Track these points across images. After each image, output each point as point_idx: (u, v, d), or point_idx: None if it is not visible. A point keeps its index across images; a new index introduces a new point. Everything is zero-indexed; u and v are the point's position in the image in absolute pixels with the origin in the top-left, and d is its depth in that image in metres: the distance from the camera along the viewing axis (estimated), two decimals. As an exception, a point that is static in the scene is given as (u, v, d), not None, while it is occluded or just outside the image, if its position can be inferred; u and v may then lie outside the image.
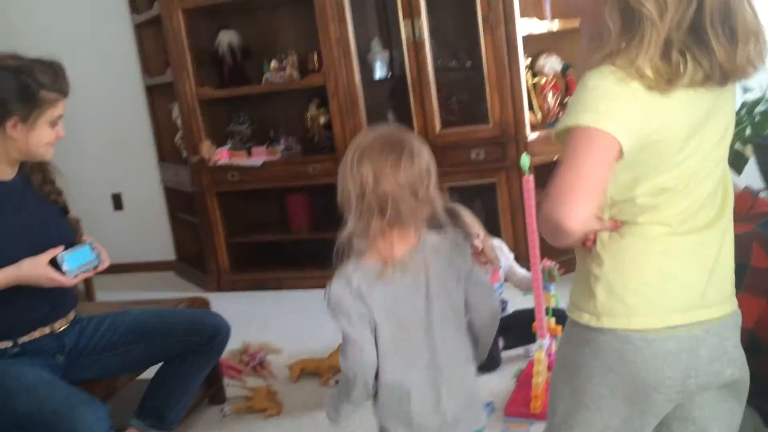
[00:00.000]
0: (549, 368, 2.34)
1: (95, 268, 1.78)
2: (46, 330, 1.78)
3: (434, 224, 1.30)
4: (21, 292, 1.70)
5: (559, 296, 2.52)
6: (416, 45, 3.34)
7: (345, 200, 1.25)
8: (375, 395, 1.34)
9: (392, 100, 3.75)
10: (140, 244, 4.53)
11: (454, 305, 1.31)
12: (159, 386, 1.97)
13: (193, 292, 3.98)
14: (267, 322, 3.35)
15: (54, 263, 1.68)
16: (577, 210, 0.97)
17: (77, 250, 1.75)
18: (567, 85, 3.60)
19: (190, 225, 4.27)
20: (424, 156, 1.26)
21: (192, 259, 4.34)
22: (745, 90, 3.11)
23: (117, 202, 4.58)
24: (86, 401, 1.62)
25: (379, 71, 3.69)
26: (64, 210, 1.90)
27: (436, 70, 3.40)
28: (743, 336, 1.36)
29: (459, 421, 1.33)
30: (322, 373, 2.63)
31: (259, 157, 3.75)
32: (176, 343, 1.93)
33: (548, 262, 2.36)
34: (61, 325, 1.82)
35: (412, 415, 1.30)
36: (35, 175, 1.83)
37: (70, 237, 1.85)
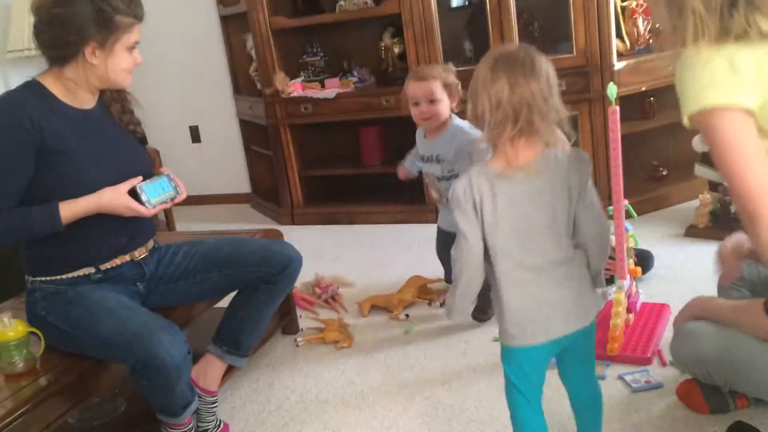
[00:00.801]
0: (628, 310, 2.24)
1: (173, 199, 1.79)
2: (127, 258, 1.81)
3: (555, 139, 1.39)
4: (103, 220, 1.72)
5: (638, 237, 2.40)
6: (496, -32, 3.14)
7: (479, 114, 1.36)
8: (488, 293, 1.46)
9: (469, 28, 3.58)
10: (217, 177, 4.61)
11: (566, 218, 1.40)
12: (234, 314, 2.00)
13: (267, 225, 4.03)
14: (339, 255, 3.36)
15: (133, 193, 1.70)
16: None
17: (156, 181, 1.76)
18: (660, 9, 3.33)
19: (264, 158, 4.29)
20: (549, 67, 1.36)
21: (266, 192, 4.38)
22: None
23: (194, 134, 4.65)
24: (165, 326, 1.65)
25: (456, -2, 3.52)
26: (142, 140, 1.91)
27: (516, -6, 3.20)
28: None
29: (570, 315, 1.42)
30: (392, 308, 2.62)
31: (332, 89, 3.69)
32: (249, 273, 1.94)
33: (624, 201, 2.23)
34: (140, 254, 1.85)
35: (527, 309, 1.40)
36: (114, 105, 1.84)
37: (149, 166, 1.87)
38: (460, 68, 3.39)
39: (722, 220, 2.93)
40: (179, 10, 4.27)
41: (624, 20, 3.30)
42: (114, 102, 1.84)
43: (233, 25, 4.19)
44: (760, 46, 1.18)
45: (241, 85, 4.33)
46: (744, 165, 1.19)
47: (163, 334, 1.61)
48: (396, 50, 3.68)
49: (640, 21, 3.31)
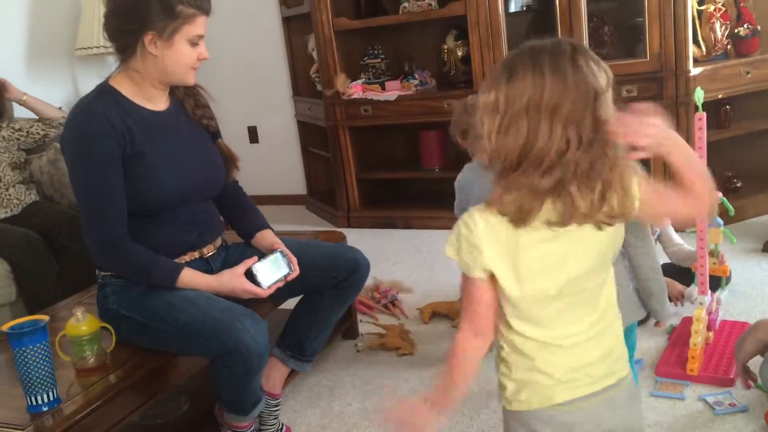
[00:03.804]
0: (708, 328, 2.13)
1: (286, 277, 1.78)
2: (196, 254, 1.79)
3: None
4: (173, 218, 1.72)
5: (733, 236, 2.27)
6: (568, -31, 3.06)
7: None
8: None
9: (535, 31, 3.49)
10: (273, 177, 4.61)
11: None
12: (298, 319, 1.97)
13: (323, 227, 4.01)
14: (396, 260, 3.31)
15: (249, 274, 1.71)
16: None
17: (270, 260, 1.77)
18: (739, 13, 3.18)
19: (321, 160, 4.27)
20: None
21: (322, 194, 4.36)
22: None
23: (252, 134, 4.67)
24: (248, 313, 1.63)
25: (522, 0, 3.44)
26: (216, 134, 1.89)
27: (589, -3, 3.11)
28: None
29: None
30: (454, 315, 2.55)
31: (393, 91, 3.65)
32: (315, 277, 1.90)
33: (718, 194, 2.10)
34: (209, 251, 1.83)
35: None
36: (188, 101, 1.82)
37: (222, 172, 1.86)
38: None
39: (804, 235, 2.78)
40: (242, 9, 4.29)
41: (701, 25, 3.17)
42: (187, 97, 1.83)
43: (295, 26, 4.19)
44: None
45: (301, 86, 4.32)
46: None
47: (247, 320, 1.59)
48: (459, 53, 3.62)
49: (717, 26, 3.18)
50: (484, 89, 1.09)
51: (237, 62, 4.42)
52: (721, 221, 2.13)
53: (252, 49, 4.41)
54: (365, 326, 2.58)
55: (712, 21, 3.18)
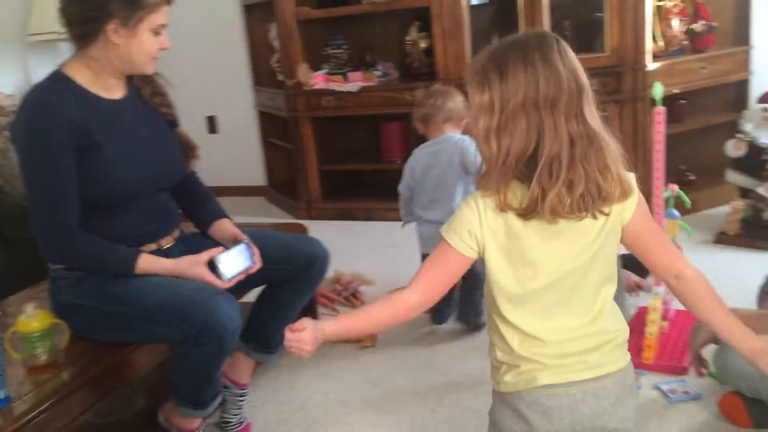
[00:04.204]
0: (663, 318, 2.17)
1: (247, 270, 1.74)
2: (153, 246, 1.75)
3: None
4: (130, 210, 1.68)
5: (690, 228, 2.29)
6: (530, -37, 3.07)
7: None
8: None
9: (498, 24, 3.50)
10: (233, 168, 4.55)
11: None
12: (260, 311, 1.94)
13: (283, 219, 3.98)
14: (358, 252, 3.29)
15: (211, 264, 1.67)
16: None
17: (234, 252, 1.73)
18: (696, 9, 3.25)
19: (282, 150, 4.23)
20: None
21: (283, 185, 4.32)
22: None
23: (212, 124, 4.59)
24: (221, 292, 1.60)
25: (486, -8, 3.45)
26: (174, 123, 1.85)
27: (550, -10, 3.13)
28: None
29: None
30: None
31: (355, 82, 3.62)
32: (274, 269, 1.87)
33: (674, 186, 2.14)
34: (167, 242, 1.79)
35: None
36: (145, 88, 1.78)
37: (180, 162, 1.82)
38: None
39: (754, 227, 2.86)
40: (201, -3, 4.21)
41: (659, 21, 3.22)
42: (144, 84, 1.78)
43: (256, 14, 4.13)
44: None
45: (262, 76, 4.27)
46: None
47: (221, 298, 1.57)
48: (422, 45, 3.61)
49: (675, 22, 3.24)
50: (475, 89, 1.09)
51: (196, 51, 4.33)
52: (678, 213, 2.16)
53: (211, 37, 4.33)
54: (326, 319, 2.56)
55: (669, 17, 3.23)
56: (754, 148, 2.93)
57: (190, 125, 4.57)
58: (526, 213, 1.09)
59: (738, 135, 2.98)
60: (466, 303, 2.36)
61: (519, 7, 3.16)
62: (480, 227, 1.12)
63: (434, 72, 3.44)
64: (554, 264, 1.13)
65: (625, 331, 1.21)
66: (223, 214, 1.90)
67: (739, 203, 2.91)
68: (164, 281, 1.62)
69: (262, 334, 1.94)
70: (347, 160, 3.97)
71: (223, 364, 1.66)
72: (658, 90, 1.99)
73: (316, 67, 3.77)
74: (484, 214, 1.12)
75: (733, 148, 3.00)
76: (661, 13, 3.23)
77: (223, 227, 1.86)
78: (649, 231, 1.19)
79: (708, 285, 1.24)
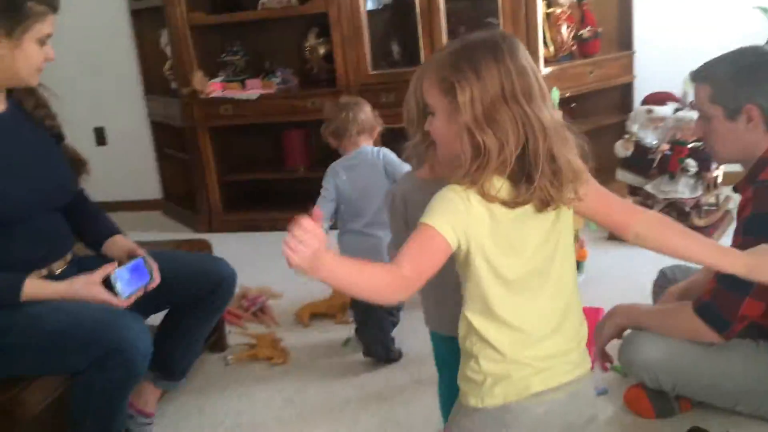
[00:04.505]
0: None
1: (146, 286, 1.65)
2: (44, 272, 1.62)
3: None
4: (16, 233, 1.56)
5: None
6: (425, -31, 3.10)
7: None
8: None
9: (397, 29, 3.52)
10: (125, 182, 4.32)
11: None
12: (164, 337, 1.83)
13: (183, 233, 3.83)
14: (264, 265, 3.20)
15: (107, 282, 1.56)
16: None
17: (130, 267, 1.63)
18: (582, 16, 3.39)
19: (178, 161, 4.06)
20: None
21: (180, 197, 4.15)
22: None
23: (100, 136, 4.35)
24: (128, 312, 1.51)
25: (380, -2, 3.45)
26: (59, 137, 1.72)
27: (446, -3, 3.18)
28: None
29: None
30: (335, 313, 2.52)
31: (254, 90, 3.53)
32: (178, 291, 1.78)
33: None
34: (59, 267, 1.67)
35: None
36: (27, 101, 1.65)
37: (69, 179, 1.71)
38: (387, 71, 3.36)
39: (645, 223, 3.01)
40: (84, 1, 3.97)
41: (548, 27, 3.34)
42: (26, 97, 1.65)
43: (145, 20, 3.95)
44: None
45: (154, 84, 4.08)
46: None
47: (129, 319, 1.47)
48: (321, 51, 3.57)
49: (564, 28, 3.36)
50: (448, 89, 1.09)
51: (80, 58, 4.08)
52: None
53: (97, 44, 4.10)
54: (234, 337, 2.47)
55: (558, 23, 3.36)
56: (641, 148, 3.08)
57: (77, 138, 4.30)
58: (515, 204, 1.10)
59: (626, 136, 3.14)
60: (375, 334, 2.23)
61: (417, 13, 3.18)
62: (467, 215, 1.10)
63: (335, 78, 3.41)
64: (532, 249, 1.15)
65: (586, 327, 1.24)
66: (116, 230, 1.79)
67: (630, 201, 3.06)
68: (63, 304, 1.50)
69: (168, 361, 1.83)
70: (248, 170, 3.86)
71: (131, 391, 1.55)
72: (555, 94, 2.05)
73: (212, 75, 3.65)
74: (469, 203, 1.10)
75: (622, 149, 3.15)
76: (551, 20, 3.35)
77: (118, 243, 1.75)
78: (604, 200, 1.24)
79: (672, 221, 1.28)
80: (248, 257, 3.29)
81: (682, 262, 2.16)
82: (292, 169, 3.73)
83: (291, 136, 3.71)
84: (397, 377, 2.13)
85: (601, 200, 1.23)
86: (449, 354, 1.34)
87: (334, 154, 2.61)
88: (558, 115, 1.14)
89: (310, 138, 3.74)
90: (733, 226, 2.96)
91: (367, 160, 2.33)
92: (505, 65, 1.07)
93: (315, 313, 2.55)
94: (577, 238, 2.31)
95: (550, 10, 3.33)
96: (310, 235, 0.99)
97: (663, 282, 2.06)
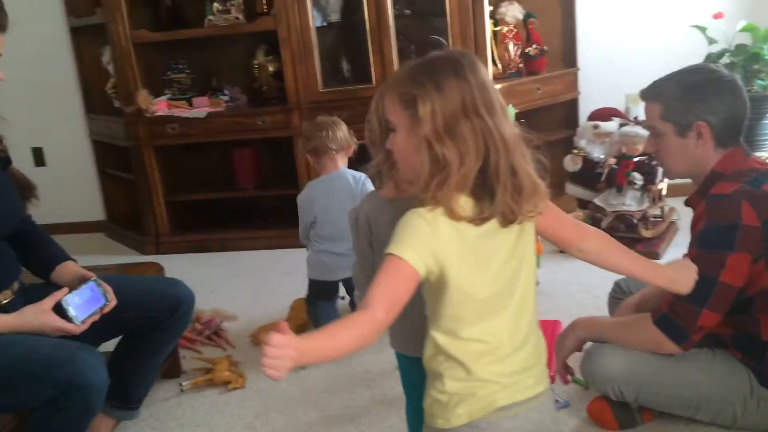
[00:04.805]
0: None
1: (102, 309, 1.58)
2: None
3: None
4: None
5: None
6: (375, -12, 3.12)
7: None
8: None
9: (347, 47, 3.51)
10: (65, 203, 4.14)
11: None
12: (119, 365, 1.75)
13: (129, 256, 3.71)
14: (215, 287, 3.13)
15: (58, 308, 1.48)
16: None
17: (82, 291, 1.56)
18: (528, 34, 3.47)
19: (122, 182, 3.94)
20: None
21: (125, 219, 4.03)
22: (710, 42, 3.08)
23: (38, 157, 4.18)
24: (83, 346, 1.43)
25: (332, 15, 3.44)
26: (6, 161, 1.64)
27: (396, 15, 3.19)
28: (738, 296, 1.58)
29: None
30: (296, 331, 2.46)
31: (202, 108, 3.47)
32: (134, 317, 1.71)
33: None
34: (5, 297, 1.58)
35: None
36: None
37: (17, 206, 1.64)
38: (337, 88, 3.35)
39: (594, 236, 3.07)
40: (21, 18, 3.81)
41: (496, 45, 3.40)
42: None
43: (86, 37, 3.83)
44: None
45: (95, 103, 3.96)
46: None
47: (85, 353, 1.40)
48: (270, 69, 3.54)
49: (510, 46, 3.43)
50: (407, 103, 1.10)
51: (17, 77, 3.89)
52: None
53: (34, 61, 3.93)
54: (189, 362, 2.38)
55: (505, 41, 3.42)
56: (589, 163, 3.16)
57: (14, 158, 4.15)
58: (480, 220, 1.10)
59: (574, 150, 3.21)
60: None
61: (366, 30, 3.19)
62: (434, 238, 1.09)
63: (284, 96, 3.37)
64: (499, 265, 1.15)
65: (544, 341, 1.26)
66: (66, 257, 1.71)
67: (580, 214, 3.12)
68: (14, 339, 1.42)
69: (123, 390, 1.76)
70: (197, 190, 3.77)
71: (87, 428, 1.47)
72: (511, 111, 2.07)
73: (157, 93, 3.56)
74: (435, 225, 1.09)
75: (570, 163, 3.23)
76: (498, 38, 3.41)
77: (69, 270, 1.68)
78: (557, 217, 1.27)
79: (612, 240, 1.34)
80: (199, 279, 3.19)
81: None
82: (242, 188, 3.67)
83: (240, 154, 3.65)
84: (360, 397, 2.10)
85: (553, 216, 1.25)
86: (416, 375, 1.33)
87: (283, 172, 2.60)
88: (516, 130, 1.14)
89: (260, 156, 3.69)
90: (677, 237, 3.10)
91: (345, 184, 2.39)
92: (465, 79, 1.09)
93: (273, 335, 2.49)
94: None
95: (497, 28, 3.39)
96: (283, 350, 0.98)
97: (618, 293, 2.09)
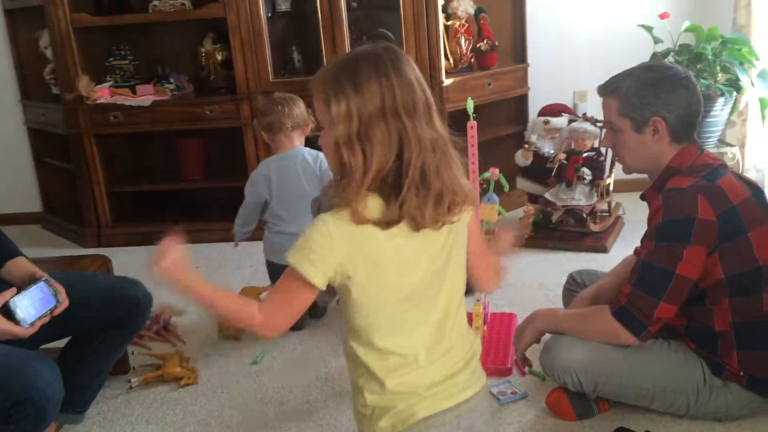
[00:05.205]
0: (484, 322, 2.27)
1: (52, 311, 1.49)
2: None
3: None
4: None
5: (505, 211, 2.31)
6: (327, -24, 3.07)
7: None
8: None
9: (298, 37, 3.45)
10: (-1, 194, 3.97)
11: None
12: (68, 366, 1.65)
13: (69, 248, 3.56)
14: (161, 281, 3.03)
15: (6, 309, 1.40)
16: None
17: (32, 291, 1.47)
18: (480, 29, 3.48)
19: (61, 172, 3.77)
20: None
21: (64, 210, 3.86)
22: (656, 41, 3.16)
23: (-31, 144, 3.96)
24: (36, 356, 1.37)
25: (283, 4, 3.37)
26: None
27: (348, 8, 3.15)
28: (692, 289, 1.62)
29: None
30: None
31: (147, 96, 3.34)
32: (87, 317, 1.62)
33: (495, 170, 2.21)
34: None
35: None
36: None
37: None
38: (288, 78, 3.30)
39: (544, 229, 3.12)
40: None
41: (447, 39, 3.40)
42: None
43: (21, 20, 3.64)
44: None
45: (31, 88, 3.77)
46: None
47: (39, 364, 1.34)
48: (219, 57, 3.44)
49: (462, 40, 3.44)
50: (326, 100, 1.06)
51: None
52: (497, 198, 2.20)
53: (-35, 45, 3.74)
54: (137, 358, 2.30)
55: (457, 36, 3.42)
56: (539, 157, 3.20)
57: (-57, 147, 3.93)
58: (387, 225, 1.07)
59: (525, 145, 3.25)
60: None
61: (318, 20, 3.14)
62: (334, 248, 1.06)
63: (233, 85, 3.29)
64: (419, 269, 1.11)
65: (479, 342, 1.24)
66: (16, 252, 1.61)
67: (531, 208, 3.16)
68: None
69: (72, 393, 1.66)
70: (140, 180, 3.65)
71: None
72: (470, 105, 2.08)
73: (99, 80, 3.42)
74: (337, 234, 1.06)
75: (521, 158, 3.26)
76: (450, 32, 3.41)
77: (20, 267, 1.58)
78: (476, 231, 1.25)
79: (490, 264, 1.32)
80: (142, 273, 3.08)
81: (591, 267, 2.27)
82: (189, 180, 3.57)
83: (187, 144, 3.54)
84: (317, 391, 2.06)
85: (472, 222, 1.20)
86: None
87: (232, 164, 2.53)
88: (444, 131, 1.10)
89: (208, 147, 3.60)
90: (624, 231, 3.18)
91: (301, 164, 2.32)
92: (387, 78, 1.05)
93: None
94: (493, 233, 2.30)
95: (449, 22, 3.39)
96: (173, 254, 1.12)
97: (572, 286, 2.13)
